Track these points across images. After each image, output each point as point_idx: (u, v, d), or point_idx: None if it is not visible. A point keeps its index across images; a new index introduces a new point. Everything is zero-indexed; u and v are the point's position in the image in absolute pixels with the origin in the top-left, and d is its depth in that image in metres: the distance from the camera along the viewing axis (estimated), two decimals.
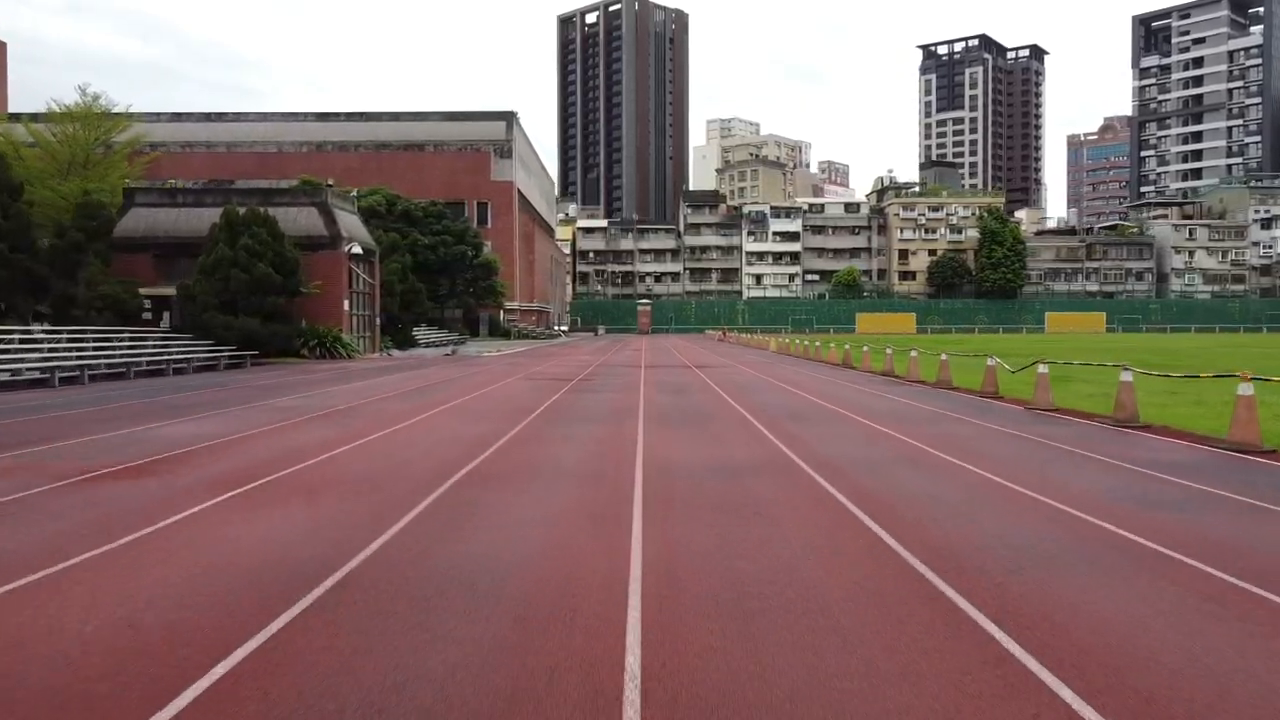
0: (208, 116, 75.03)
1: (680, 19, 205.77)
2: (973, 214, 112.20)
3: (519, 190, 75.08)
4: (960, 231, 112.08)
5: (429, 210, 66.21)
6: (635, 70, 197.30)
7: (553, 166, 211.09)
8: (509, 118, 74.37)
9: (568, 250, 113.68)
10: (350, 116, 75.18)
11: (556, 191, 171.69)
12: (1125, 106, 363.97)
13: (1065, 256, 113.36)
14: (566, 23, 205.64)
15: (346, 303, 33.55)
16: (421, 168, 73.19)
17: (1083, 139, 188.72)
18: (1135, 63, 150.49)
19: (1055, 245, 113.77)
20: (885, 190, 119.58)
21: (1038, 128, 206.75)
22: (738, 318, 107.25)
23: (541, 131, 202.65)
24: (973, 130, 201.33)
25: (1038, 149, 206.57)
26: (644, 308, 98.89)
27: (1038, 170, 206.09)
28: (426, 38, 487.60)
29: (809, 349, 33.52)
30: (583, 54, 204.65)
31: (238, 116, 75.17)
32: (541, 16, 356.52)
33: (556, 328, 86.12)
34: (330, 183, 34.24)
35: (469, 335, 66.26)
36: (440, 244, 64.39)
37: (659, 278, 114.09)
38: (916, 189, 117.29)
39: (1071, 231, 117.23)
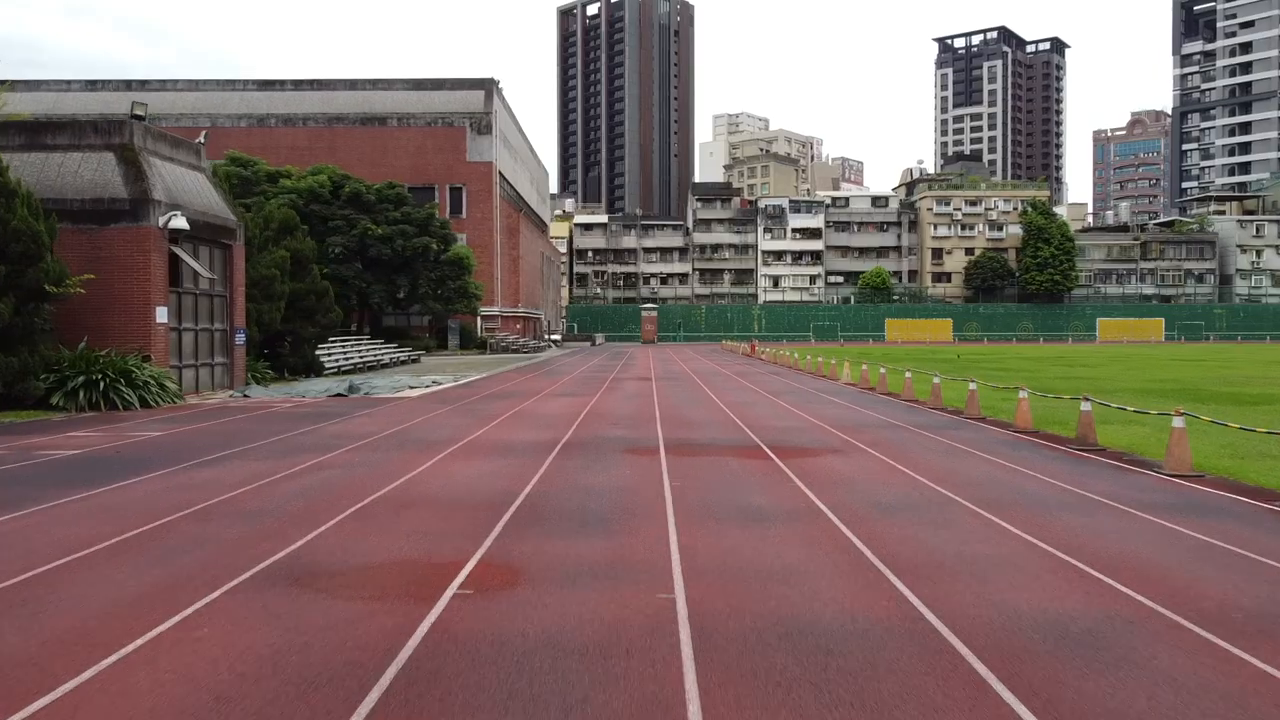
0: (128, 85, 61.12)
1: (685, 11, 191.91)
2: (1014, 208, 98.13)
3: (500, 173, 61.11)
4: (1001, 228, 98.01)
5: (384, 193, 52.25)
6: (638, 64, 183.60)
7: (552, 165, 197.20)
8: (488, 86, 60.42)
9: (563, 249, 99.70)
10: (299, 85, 61.26)
11: (555, 188, 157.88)
12: (1152, 101, 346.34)
13: (1117, 256, 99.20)
14: (566, 14, 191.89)
15: (163, 310, 19.57)
16: (383, 145, 59.27)
17: (1109, 135, 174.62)
18: (1176, 49, 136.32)
19: (1106, 244, 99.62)
20: (915, 183, 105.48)
21: (1059, 124, 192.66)
22: (754, 324, 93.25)
23: (541, 128, 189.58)
24: (991, 126, 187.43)
25: (1059, 146, 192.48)
26: (649, 313, 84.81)
27: (1059, 168, 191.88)
28: (422, 33, 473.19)
29: (932, 390, 19.38)
30: (583, 47, 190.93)
31: (164, 85, 61.27)
32: (541, 8, 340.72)
33: (547, 337, 72.09)
34: (140, 113, 20.29)
35: (430, 349, 52.19)
36: (398, 234, 50.46)
37: (665, 279, 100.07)
38: (951, 180, 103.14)
39: (1123, 229, 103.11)
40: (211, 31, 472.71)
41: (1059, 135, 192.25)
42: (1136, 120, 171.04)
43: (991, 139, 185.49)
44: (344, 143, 58.97)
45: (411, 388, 23.24)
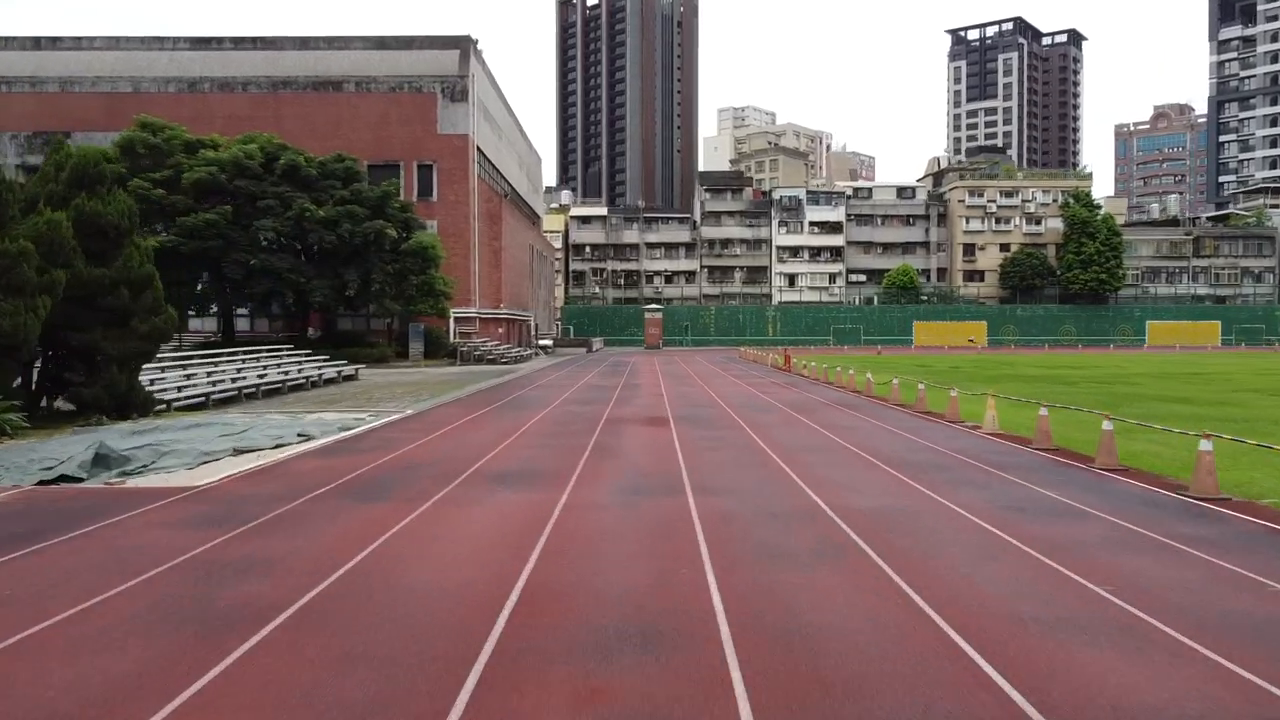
0: (37, 43, 50.52)
1: (689, 0, 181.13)
2: (1054, 200, 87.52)
3: (479, 148, 50.56)
4: (1039, 222, 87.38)
5: (330, 168, 41.73)
6: (640, 56, 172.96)
7: (551, 161, 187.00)
8: (464, 44, 49.83)
9: (559, 245, 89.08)
10: (239, 43, 50.65)
11: (553, 180, 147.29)
12: (1176, 94, 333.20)
13: (1167, 253, 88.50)
14: (566, 4, 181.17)
15: None
16: (338, 115, 48.72)
17: (1132, 129, 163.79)
18: (1212, 35, 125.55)
19: (1155, 239, 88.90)
20: (943, 173, 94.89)
21: (1076, 119, 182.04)
22: (768, 327, 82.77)
23: (540, 124, 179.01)
24: (1006, 121, 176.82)
25: (1076, 142, 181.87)
26: (653, 315, 74.18)
27: (1076, 164, 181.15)
28: (417, 24, 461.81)
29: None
30: (583, 38, 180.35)
31: (78, 43, 50.64)
32: None
33: (537, 342, 61.53)
34: None
35: (387, 358, 41.45)
36: (345, 217, 39.91)
37: (670, 278, 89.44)
38: (983, 170, 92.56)
39: (1174, 223, 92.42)
40: (209, 26, 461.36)
41: (1076, 130, 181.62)
42: (1161, 114, 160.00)
43: (1007, 134, 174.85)
44: (291, 111, 48.43)
45: (241, 451, 12.61)
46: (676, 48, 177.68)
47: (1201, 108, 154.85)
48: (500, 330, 52.13)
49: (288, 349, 31.39)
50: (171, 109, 46.66)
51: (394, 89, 48.98)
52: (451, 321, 47.39)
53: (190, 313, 45.17)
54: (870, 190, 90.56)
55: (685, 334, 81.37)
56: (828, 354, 57.44)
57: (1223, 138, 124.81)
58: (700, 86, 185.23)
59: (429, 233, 44.50)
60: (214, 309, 43.92)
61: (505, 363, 44.04)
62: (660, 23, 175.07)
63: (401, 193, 47.02)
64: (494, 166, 55.72)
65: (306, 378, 27.23)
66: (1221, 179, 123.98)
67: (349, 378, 30.79)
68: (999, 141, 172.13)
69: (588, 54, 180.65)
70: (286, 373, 26.78)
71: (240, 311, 46.55)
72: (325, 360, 31.47)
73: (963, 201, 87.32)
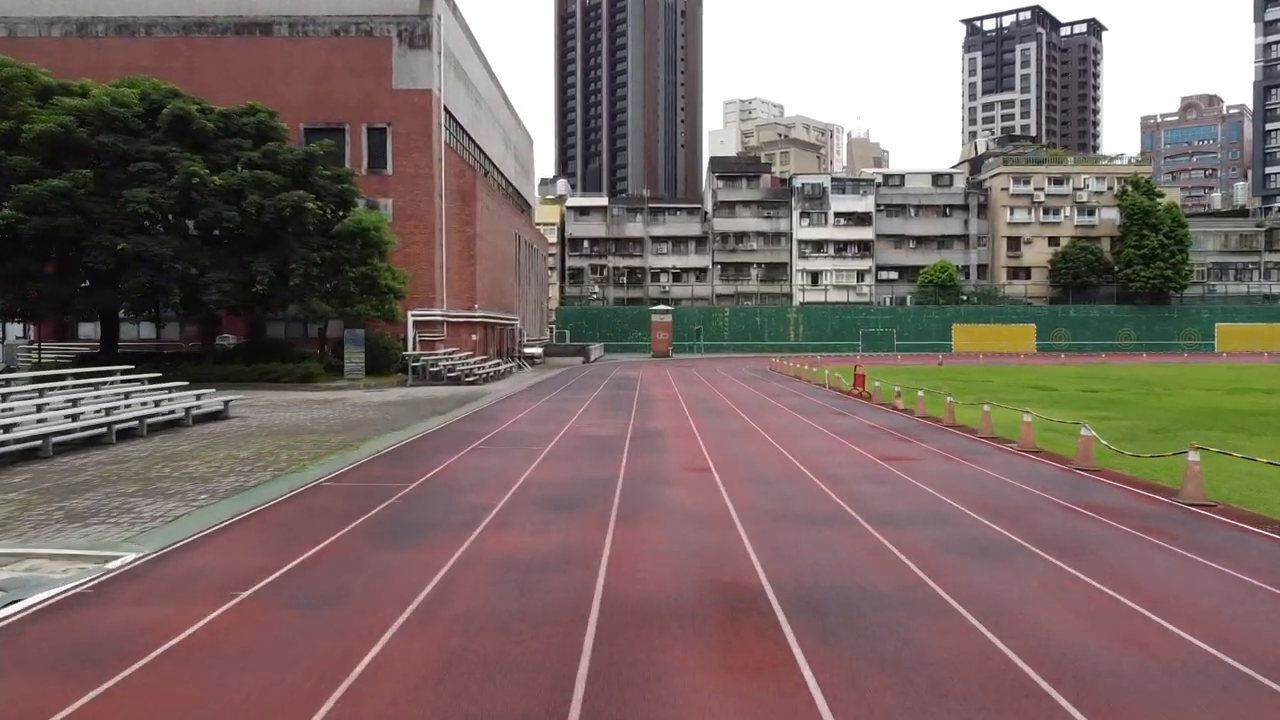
0: None
1: None
2: (1109, 188, 76.40)
3: (446, 109, 39.43)
4: (1092, 212, 76.19)
5: (236, 121, 30.50)
6: (643, 47, 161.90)
7: (550, 158, 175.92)
8: None
9: (554, 239, 77.90)
10: None
11: (553, 172, 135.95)
12: (1204, 84, 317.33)
13: (1236, 247, 77.36)
14: None
15: None
16: (268, 65, 37.53)
17: (1159, 121, 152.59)
18: (1258, 15, 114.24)
19: (1222, 231, 77.75)
20: (983, 158, 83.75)
21: (1096, 111, 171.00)
22: (789, 330, 71.59)
23: (538, 120, 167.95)
24: (1024, 114, 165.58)
25: (1097, 135, 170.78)
26: (661, 318, 62.88)
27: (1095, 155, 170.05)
28: None
29: None
30: (583, 29, 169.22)
31: None
32: None
33: (522, 351, 50.33)
34: None
35: (314, 376, 30.07)
36: (252, 186, 28.66)
37: (678, 275, 78.24)
38: (1030, 154, 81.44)
39: (1242, 213, 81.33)
40: None
41: (1097, 123, 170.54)
42: (1189, 105, 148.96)
43: (1025, 127, 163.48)
44: (208, 60, 37.28)
45: None
46: (680, 38, 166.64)
47: (1230, 99, 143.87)
48: (474, 337, 40.93)
49: (121, 371, 20.19)
50: (56, 57, 35.51)
51: (337, 32, 37.81)
52: (410, 326, 36.25)
53: (79, 312, 34.30)
54: (902, 177, 79.28)
55: (697, 339, 70.25)
56: (871, 363, 46.36)
57: (1270, 126, 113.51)
58: (705, 79, 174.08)
59: (372, 211, 33.39)
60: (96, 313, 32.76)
61: (472, 381, 32.78)
62: (663, 12, 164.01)
63: (348, 162, 36.06)
64: (469, 136, 44.62)
65: (109, 425, 16.01)
66: (1268, 170, 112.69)
67: (209, 416, 19.56)
68: (1017, 135, 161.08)
69: (587, 45, 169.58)
70: (75, 416, 15.62)
71: (135, 315, 35.37)
72: (180, 388, 20.25)
73: (1006, 190, 76.18)
